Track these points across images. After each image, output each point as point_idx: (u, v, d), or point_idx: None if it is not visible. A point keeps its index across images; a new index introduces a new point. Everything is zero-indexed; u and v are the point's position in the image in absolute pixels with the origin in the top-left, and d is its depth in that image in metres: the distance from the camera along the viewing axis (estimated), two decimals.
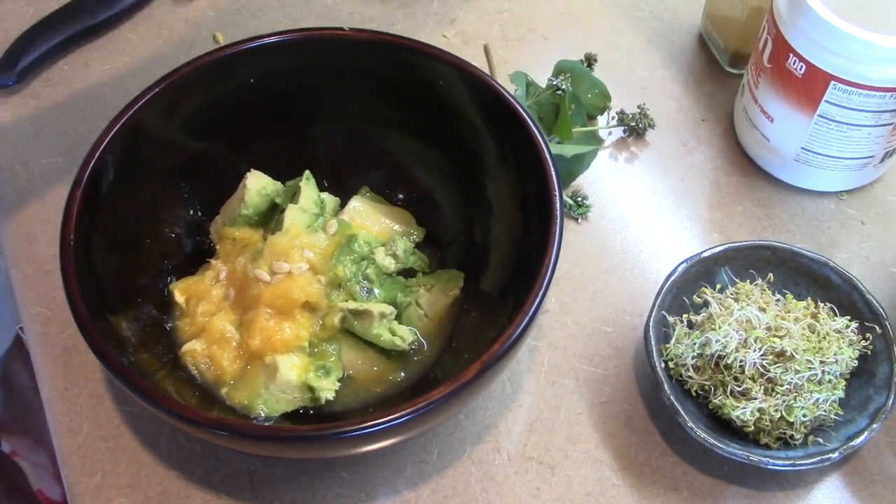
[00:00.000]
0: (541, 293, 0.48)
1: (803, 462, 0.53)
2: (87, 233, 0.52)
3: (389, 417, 0.45)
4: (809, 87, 0.60)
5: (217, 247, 0.60)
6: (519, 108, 0.54)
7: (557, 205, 0.51)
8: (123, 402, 0.59)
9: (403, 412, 0.45)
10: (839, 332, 0.56)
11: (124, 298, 0.56)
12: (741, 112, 0.69)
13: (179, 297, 0.58)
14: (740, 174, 0.69)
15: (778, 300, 0.58)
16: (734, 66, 0.73)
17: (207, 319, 0.56)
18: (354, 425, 0.45)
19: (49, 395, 0.60)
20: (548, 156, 0.52)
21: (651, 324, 0.57)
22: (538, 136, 0.53)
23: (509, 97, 0.55)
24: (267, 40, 0.58)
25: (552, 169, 0.52)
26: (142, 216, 0.58)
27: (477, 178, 0.60)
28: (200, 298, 0.57)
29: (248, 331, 0.55)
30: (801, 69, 0.60)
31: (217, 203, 0.61)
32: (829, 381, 0.54)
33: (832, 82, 0.59)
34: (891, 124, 0.61)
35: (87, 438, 0.58)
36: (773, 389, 0.54)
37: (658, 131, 0.71)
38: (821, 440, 0.54)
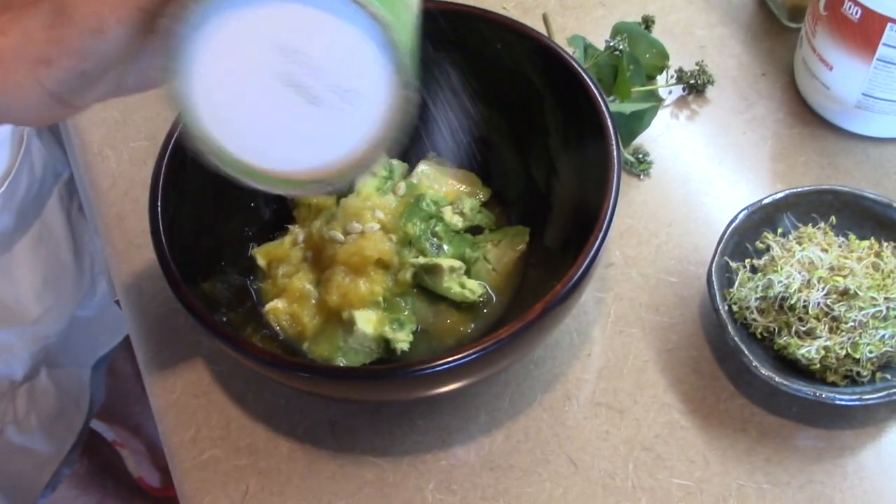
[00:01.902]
0: (601, 235, 0.50)
1: (870, 396, 0.53)
2: (174, 203, 0.56)
3: (460, 355, 0.47)
4: (866, 31, 0.60)
5: (294, 213, 0.64)
6: (573, 62, 0.56)
7: (614, 152, 0.53)
8: (213, 361, 0.62)
9: (472, 350, 0.48)
10: None
11: (210, 264, 0.59)
12: (801, 63, 0.69)
13: (261, 261, 0.61)
14: (802, 125, 0.70)
15: (841, 242, 0.59)
16: (793, 19, 0.74)
17: (288, 280, 0.60)
18: (427, 363, 0.47)
19: (144, 357, 0.64)
20: (603, 106, 0.54)
21: (713, 269, 0.58)
22: (593, 87, 0.55)
23: (563, 53, 0.57)
24: None
25: (608, 117, 0.54)
26: (222, 187, 0.62)
27: (539, 136, 0.62)
28: (281, 261, 0.61)
29: (326, 288, 0.58)
30: (856, 14, 0.60)
31: None
32: (895, 318, 0.55)
33: (889, 24, 0.59)
34: None
35: (180, 396, 0.62)
36: (837, 327, 0.55)
37: (718, 88, 0.72)
38: (888, 376, 0.55)
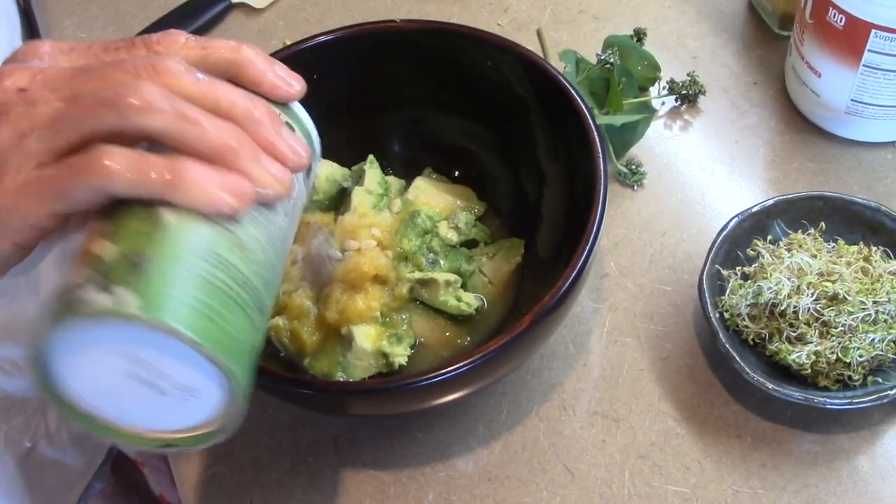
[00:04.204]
0: (588, 247, 0.51)
1: (861, 400, 0.54)
2: None
3: (449, 369, 0.48)
4: (851, 38, 0.61)
5: None
6: (557, 75, 0.57)
7: (601, 165, 0.54)
8: None
9: (462, 363, 0.48)
10: (893, 273, 0.57)
11: None
12: (791, 71, 0.70)
13: None
14: (794, 132, 0.70)
15: (831, 248, 0.59)
16: (784, 27, 0.75)
17: (288, 297, 0.61)
18: (417, 377, 0.48)
19: None
20: (588, 118, 0.55)
21: (705, 277, 0.59)
22: (578, 100, 0.56)
23: (548, 67, 0.58)
24: (323, 38, 0.62)
25: (594, 130, 0.55)
26: None
27: (529, 151, 0.63)
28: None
29: (325, 305, 0.59)
30: (841, 21, 0.61)
31: None
32: (885, 321, 0.55)
33: (873, 31, 0.60)
34: None
35: None
36: (827, 332, 0.55)
37: (710, 98, 0.73)
38: (880, 379, 0.55)
